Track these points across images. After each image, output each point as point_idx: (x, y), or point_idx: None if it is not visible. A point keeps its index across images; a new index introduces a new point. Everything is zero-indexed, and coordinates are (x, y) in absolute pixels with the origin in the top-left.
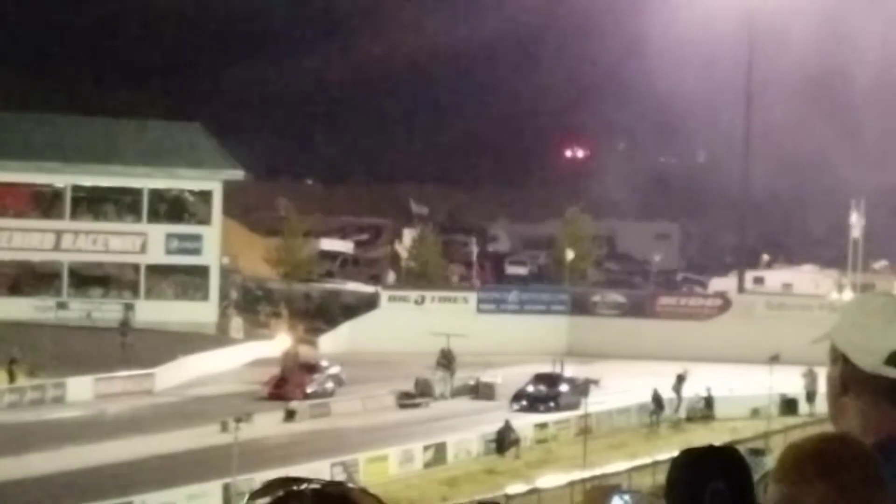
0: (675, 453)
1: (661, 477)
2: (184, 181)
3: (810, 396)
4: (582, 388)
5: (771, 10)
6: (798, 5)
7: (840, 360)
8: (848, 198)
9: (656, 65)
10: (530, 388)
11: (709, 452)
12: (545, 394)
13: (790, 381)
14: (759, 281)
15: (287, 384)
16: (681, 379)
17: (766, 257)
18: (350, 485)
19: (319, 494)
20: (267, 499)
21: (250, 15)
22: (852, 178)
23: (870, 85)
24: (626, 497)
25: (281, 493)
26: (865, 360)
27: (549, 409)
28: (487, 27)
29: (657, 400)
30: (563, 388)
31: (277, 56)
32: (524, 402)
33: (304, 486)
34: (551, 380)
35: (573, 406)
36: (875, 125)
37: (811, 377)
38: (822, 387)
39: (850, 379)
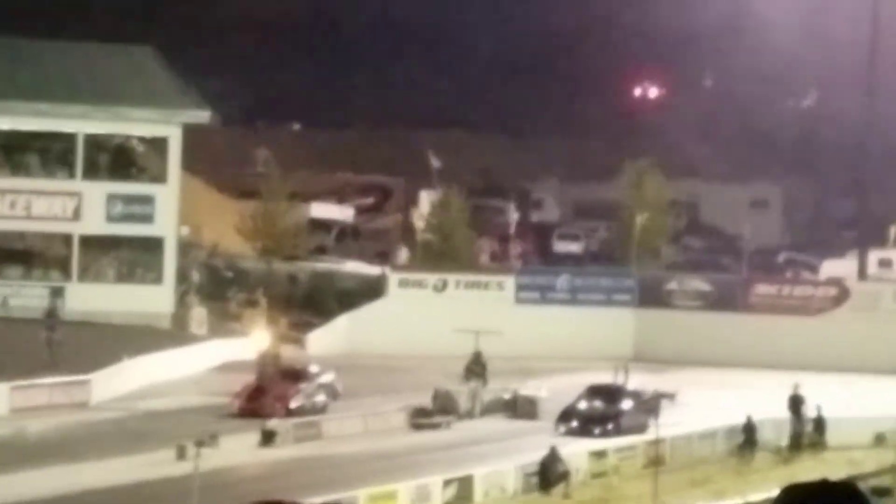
0: (776, 491)
1: None
2: (131, 124)
3: None
4: (651, 404)
5: None
6: None
7: None
8: None
9: None
10: (582, 405)
11: (821, 490)
12: (602, 412)
13: None
14: (886, 264)
15: (265, 396)
16: (797, 401)
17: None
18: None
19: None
20: None
21: None
22: None
23: None
24: None
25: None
26: None
27: (606, 433)
28: None
29: (749, 430)
30: (626, 404)
31: None
32: (574, 424)
33: None
34: (610, 394)
35: (639, 429)
36: None
37: None
38: None
39: None
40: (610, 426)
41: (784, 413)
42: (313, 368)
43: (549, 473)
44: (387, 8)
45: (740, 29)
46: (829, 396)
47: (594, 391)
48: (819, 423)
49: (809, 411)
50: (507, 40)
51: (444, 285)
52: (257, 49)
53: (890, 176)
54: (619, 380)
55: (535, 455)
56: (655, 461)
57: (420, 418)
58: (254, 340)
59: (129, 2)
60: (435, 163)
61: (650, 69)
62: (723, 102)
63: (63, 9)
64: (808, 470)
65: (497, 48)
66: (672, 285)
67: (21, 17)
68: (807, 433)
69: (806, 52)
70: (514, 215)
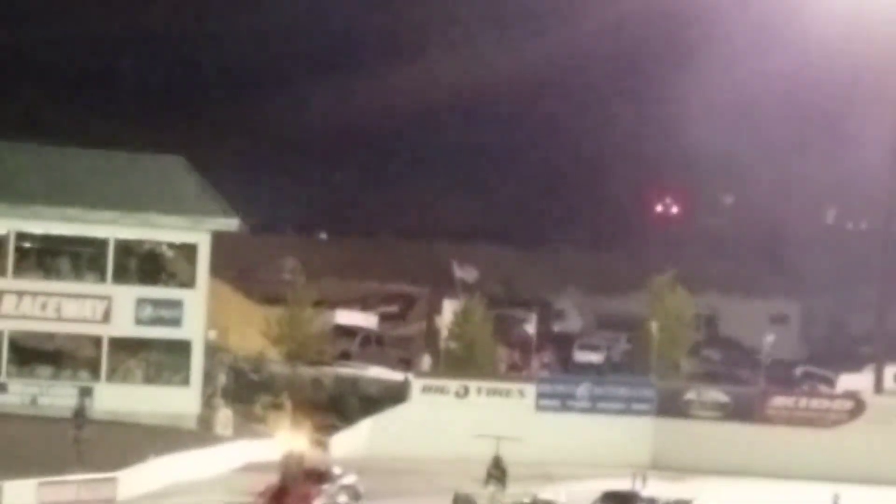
0: None
1: None
2: (161, 231)
3: None
4: None
5: None
6: None
7: None
8: None
9: (781, 100)
10: None
11: None
12: None
13: None
14: None
15: (288, 496)
16: None
17: None
18: None
19: None
20: None
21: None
22: None
23: None
24: None
25: None
26: None
27: None
28: (554, 46)
29: None
30: None
31: (286, 82)
32: None
33: None
34: (624, 500)
35: None
36: None
37: None
38: None
39: None
40: None
41: None
42: (336, 470)
43: None
44: (415, 124)
45: (761, 150)
46: None
47: (609, 497)
48: None
49: None
50: (534, 159)
51: (466, 392)
52: (287, 160)
53: None
54: (637, 487)
55: None
56: None
57: None
58: (278, 442)
59: (161, 113)
60: (459, 273)
61: (672, 187)
62: (743, 220)
63: (95, 117)
64: None
65: (524, 166)
66: (691, 396)
67: (53, 125)
68: None
69: (825, 173)
70: (535, 326)
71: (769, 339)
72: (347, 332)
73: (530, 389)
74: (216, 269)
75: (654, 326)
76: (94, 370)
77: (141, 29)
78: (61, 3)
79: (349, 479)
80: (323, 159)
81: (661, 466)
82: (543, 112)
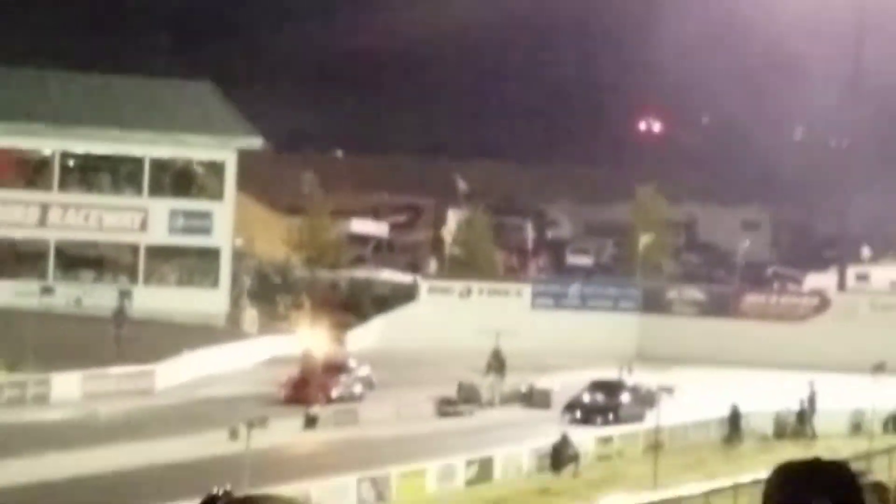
0: (762, 475)
1: (744, 501)
2: (192, 149)
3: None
4: (648, 398)
5: None
6: None
7: None
8: None
9: (752, 30)
10: (586, 398)
11: (813, 467)
12: (602, 404)
13: None
14: (862, 278)
15: (308, 386)
16: (812, 396)
17: (867, 251)
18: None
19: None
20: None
21: None
22: None
23: None
24: None
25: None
26: None
27: (606, 422)
28: None
29: (734, 420)
30: (625, 397)
31: (303, 11)
32: (577, 414)
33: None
34: (610, 388)
35: (636, 419)
36: None
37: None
38: None
39: None
40: (610, 416)
41: (769, 406)
42: (351, 363)
43: (560, 456)
44: (422, 52)
45: (735, 75)
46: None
47: (596, 385)
48: (801, 416)
49: (792, 405)
50: (531, 84)
51: (469, 292)
52: (307, 85)
53: (866, 202)
54: (625, 375)
55: (548, 440)
56: (655, 446)
57: (446, 407)
58: (299, 338)
59: (190, 40)
60: (462, 186)
61: (654, 106)
62: (720, 136)
63: (129, 45)
64: (791, 456)
65: (518, 89)
66: (672, 294)
67: (95, 53)
68: (790, 424)
69: (795, 95)
70: (531, 232)
71: (744, 244)
72: (361, 239)
73: (526, 290)
74: (242, 184)
75: (640, 233)
76: (133, 275)
77: None
78: None
79: (363, 371)
80: (339, 84)
81: (645, 358)
82: (540, 43)
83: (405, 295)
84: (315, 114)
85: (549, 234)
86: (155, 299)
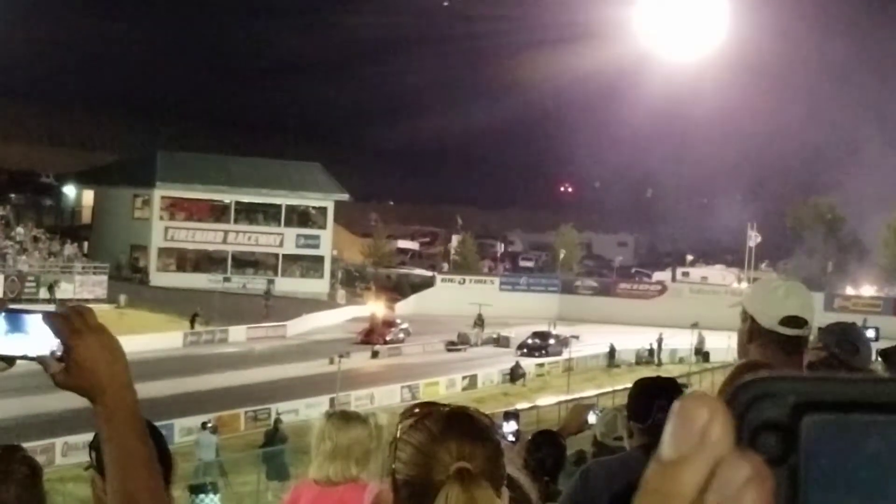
0: (629, 385)
1: (620, 399)
2: (308, 200)
3: (698, 351)
4: (564, 341)
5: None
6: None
7: (749, 319)
8: (745, 220)
9: (621, 135)
10: (529, 341)
11: (657, 381)
12: (539, 345)
13: (706, 341)
14: (685, 274)
15: (373, 334)
16: (660, 341)
17: (690, 258)
18: (470, 407)
19: (450, 412)
20: (412, 419)
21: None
22: (749, 207)
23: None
24: (598, 411)
25: (419, 411)
26: (765, 320)
27: (541, 355)
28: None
29: (612, 353)
30: (552, 341)
31: (394, 118)
32: (525, 350)
33: (438, 409)
34: (543, 336)
35: (557, 353)
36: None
37: (700, 338)
38: (708, 345)
39: (754, 332)
40: (543, 352)
41: (633, 346)
42: (398, 321)
43: (515, 374)
44: (437, 150)
45: (613, 163)
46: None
47: (535, 334)
48: (651, 352)
49: (646, 346)
50: (499, 169)
51: (465, 282)
52: (372, 166)
53: (689, 230)
54: (550, 329)
55: (508, 365)
56: (568, 369)
57: (451, 346)
58: (368, 307)
59: (310, 140)
60: (459, 222)
61: (567, 176)
62: (604, 193)
63: (278, 139)
64: (645, 374)
65: (493, 172)
66: (578, 283)
67: (255, 145)
68: (643, 357)
69: (647, 173)
70: (500, 248)
71: (619, 255)
72: (403, 251)
73: (497, 280)
74: (336, 219)
75: (560, 249)
76: (275, 270)
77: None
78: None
79: (404, 325)
80: (389, 164)
81: (563, 319)
82: (510, 138)
83: (427, 283)
84: (377, 180)
85: (510, 249)
86: (287, 285)
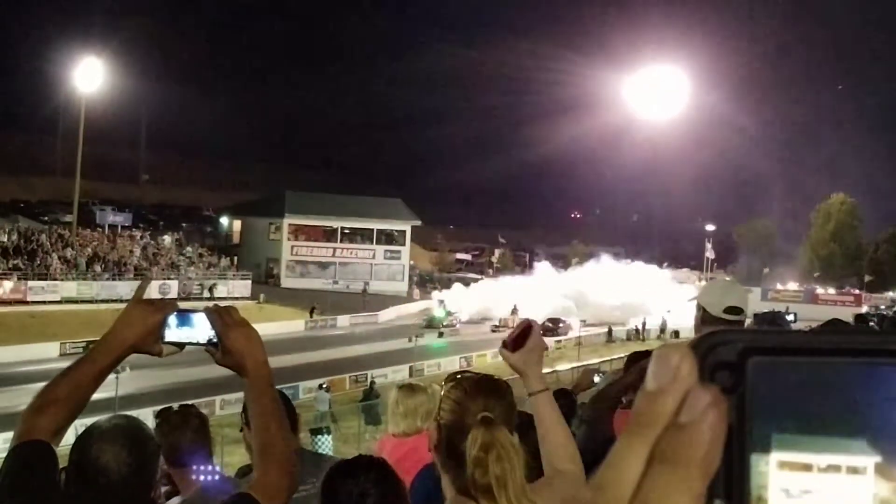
0: (624, 355)
1: (617, 365)
2: (392, 225)
3: (663, 330)
4: (568, 326)
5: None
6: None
7: (701, 309)
8: (704, 237)
9: (615, 176)
10: (546, 324)
11: (645, 352)
12: (551, 327)
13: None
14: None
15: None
16: (644, 323)
17: (665, 264)
18: (494, 374)
19: (479, 378)
20: (452, 382)
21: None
22: (707, 227)
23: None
24: (601, 374)
25: (458, 377)
26: (713, 309)
27: (554, 335)
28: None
29: (610, 332)
30: (560, 325)
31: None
32: (542, 332)
33: (471, 375)
34: (555, 321)
35: (566, 333)
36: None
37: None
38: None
39: (705, 319)
40: (555, 333)
41: (625, 326)
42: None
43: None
44: (489, 194)
45: (612, 200)
46: (640, 322)
47: (549, 320)
48: (637, 331)
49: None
50: (533, 202)
51: (504, 281)
52: (438, 200)
53: (665, 243)
54: (560, 317)
55: None
56: (578, 343)
57: (494, 328)
58: (438, 300)
59: (395, 182)
60: (500, 240)
61: (578, 207)
62: (607, 218)
63: (370, 182)
64: (636, 347)
65: (527, 204)
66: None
67: (357, 184)
68: (633, 335)
69: (630, 199)
70: (528, 258)
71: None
72: (459, 261)
73: (525, 279)
74: (413, 238)
75: (573, 258)
76: (369, 276)
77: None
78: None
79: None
80: (450, 199)
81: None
82: (539, 179)
83: (477, 282)
84: (441, 210)
85: (535, 259)
86: (377, 284)
